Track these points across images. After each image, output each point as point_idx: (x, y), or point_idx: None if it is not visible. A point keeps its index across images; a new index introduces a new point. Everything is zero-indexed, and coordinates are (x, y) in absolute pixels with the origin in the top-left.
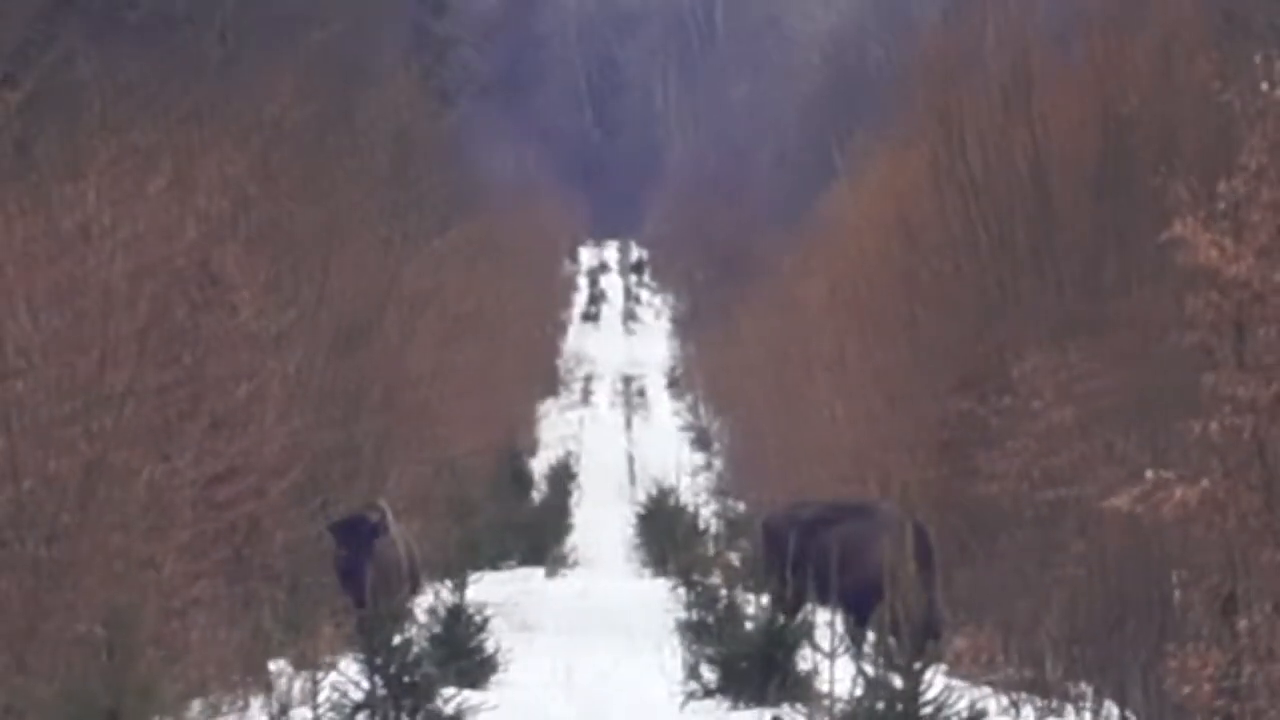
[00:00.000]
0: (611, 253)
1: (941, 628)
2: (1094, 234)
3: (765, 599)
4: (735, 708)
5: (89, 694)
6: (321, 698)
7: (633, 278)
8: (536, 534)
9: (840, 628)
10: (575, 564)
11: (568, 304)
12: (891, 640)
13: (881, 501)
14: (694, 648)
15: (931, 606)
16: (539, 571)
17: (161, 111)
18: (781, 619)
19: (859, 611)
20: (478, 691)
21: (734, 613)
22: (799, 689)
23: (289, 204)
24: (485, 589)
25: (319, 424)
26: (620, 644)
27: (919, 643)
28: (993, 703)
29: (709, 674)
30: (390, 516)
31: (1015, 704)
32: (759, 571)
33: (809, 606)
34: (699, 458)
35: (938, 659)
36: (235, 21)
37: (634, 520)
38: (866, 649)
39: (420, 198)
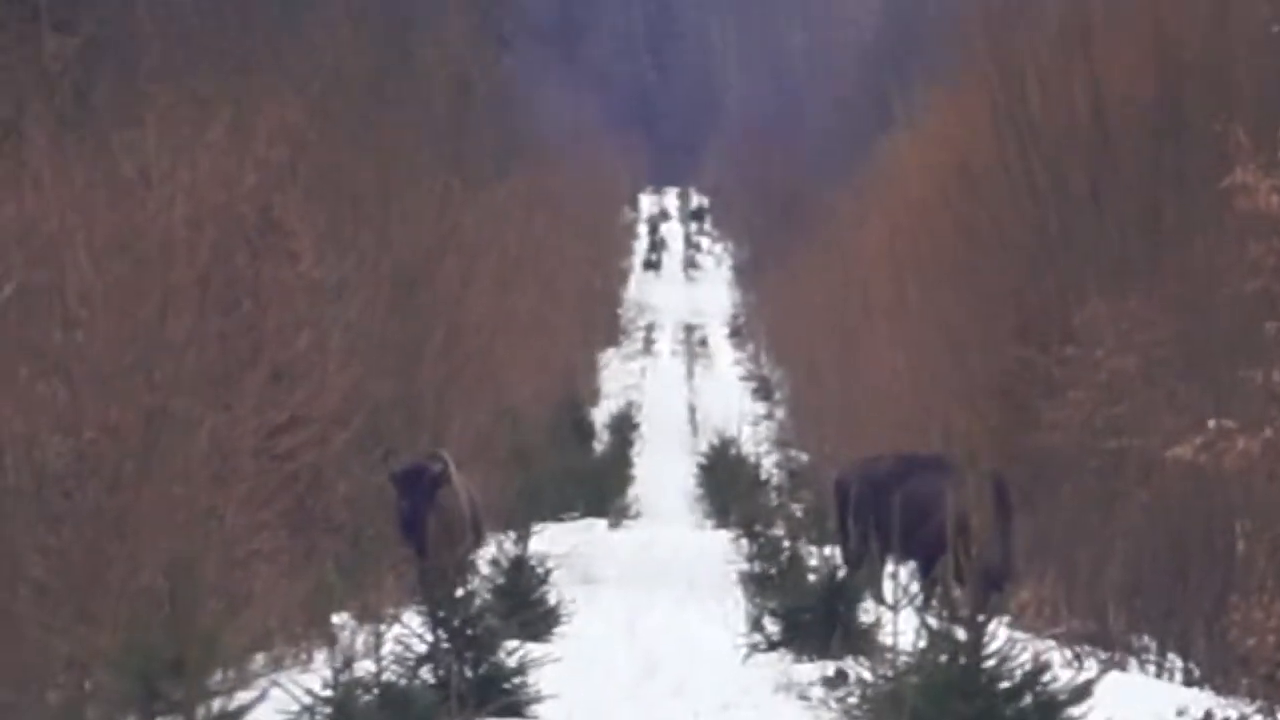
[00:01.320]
0: (671, 200)
1: (1013, 580)
2: (1153, 179)
3: (828, 551)
4: (798, 660)
5: (152, 644)
6: (385, 650)
7: (693, 225)
8: (599, 485)
9: (908, 581)
10: (638, 515)
11: (628, 252)
12: (956, 592)
13: (957, 455)
14: (756, 600)
15: (1007, 560)
16: (602, 523)
17: (220, 59)
18: (845, 572)
19: (932, 566)
20: (540, 643)
21: (796, 564)
22: (861, 641)
23: (348, 151)
24: (548, 540)
25: (379, 373)
26: (683, 596)
27: (990, 594)
28: (1056, 655)
29: (771, 626)
30: (452, 466)
31: (1078, 656)
32: (821, 524)
33: (880, 561)
34: (761, 407)
35: (1001, 611)
36: None
37: (696, 471)
38: (932, 602)
39: (478, 144)
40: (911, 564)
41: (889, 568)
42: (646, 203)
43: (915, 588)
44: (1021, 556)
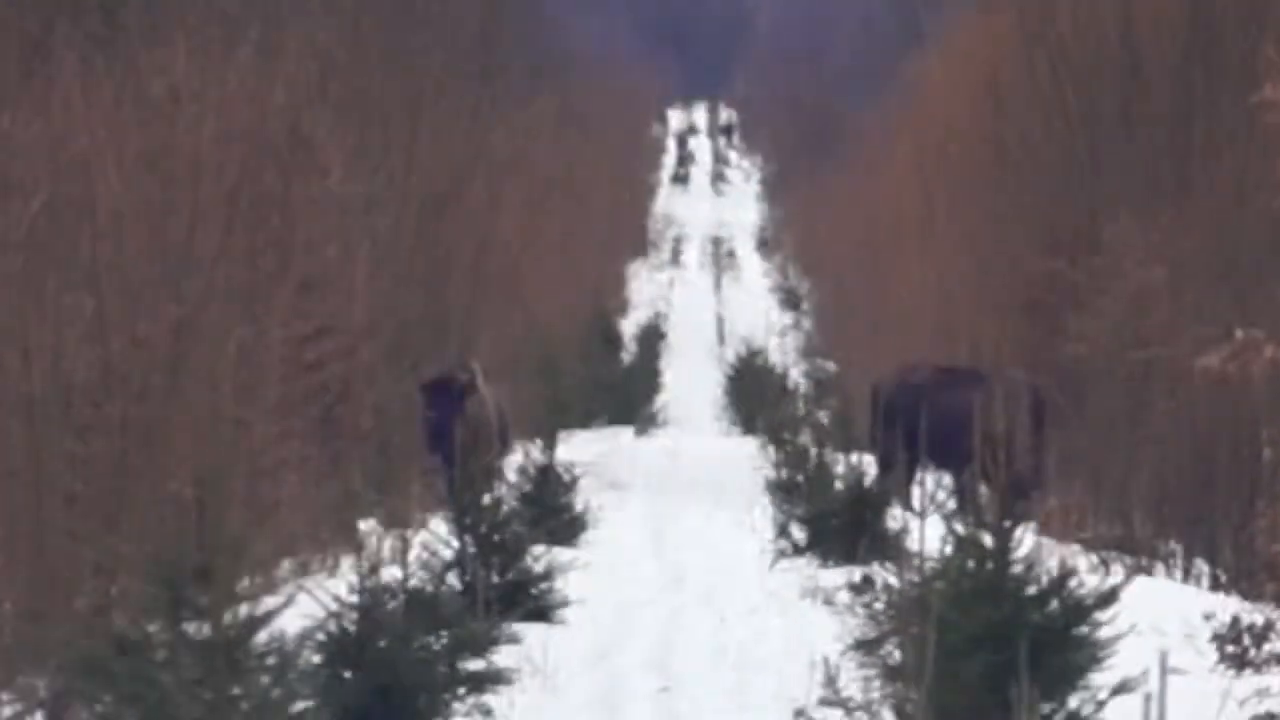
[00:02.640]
0: (700, 115)
1: (1044, 488)
2: (1183, 96)
3: (854, 458)
4: (824, 566)
5: (179, 553)
6: (411, 556)
7: (721, 140)
8: (626, 394)
9: (935, 488)
10: (665, 423)
11: (656, 166)
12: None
13: (994, 366)
14: (783, 506)
15: (1039, 469)
16: (629, 431)
17: None
18: (875, 478)
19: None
20: (567, 549)
21: (823, 472)
22: (888, 548)
23: (376, 70)
24: (575, 448)
25: (408, 287)
26: (709, 502)
27: (1019, 502)
28: (1082, 561)
29: (798, 533)
30: (480, 376)
31: (1105, 562)
32: (847, 431)
33: (912, 469)
34: (787, 318)
35: (1028, 518)
36: None
37: (723, 380)
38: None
39: (507, 62)
40: (943, 472)
41: (920, 475)
42: (675, 117)
43: (943, 495)
44: (1053, 466)
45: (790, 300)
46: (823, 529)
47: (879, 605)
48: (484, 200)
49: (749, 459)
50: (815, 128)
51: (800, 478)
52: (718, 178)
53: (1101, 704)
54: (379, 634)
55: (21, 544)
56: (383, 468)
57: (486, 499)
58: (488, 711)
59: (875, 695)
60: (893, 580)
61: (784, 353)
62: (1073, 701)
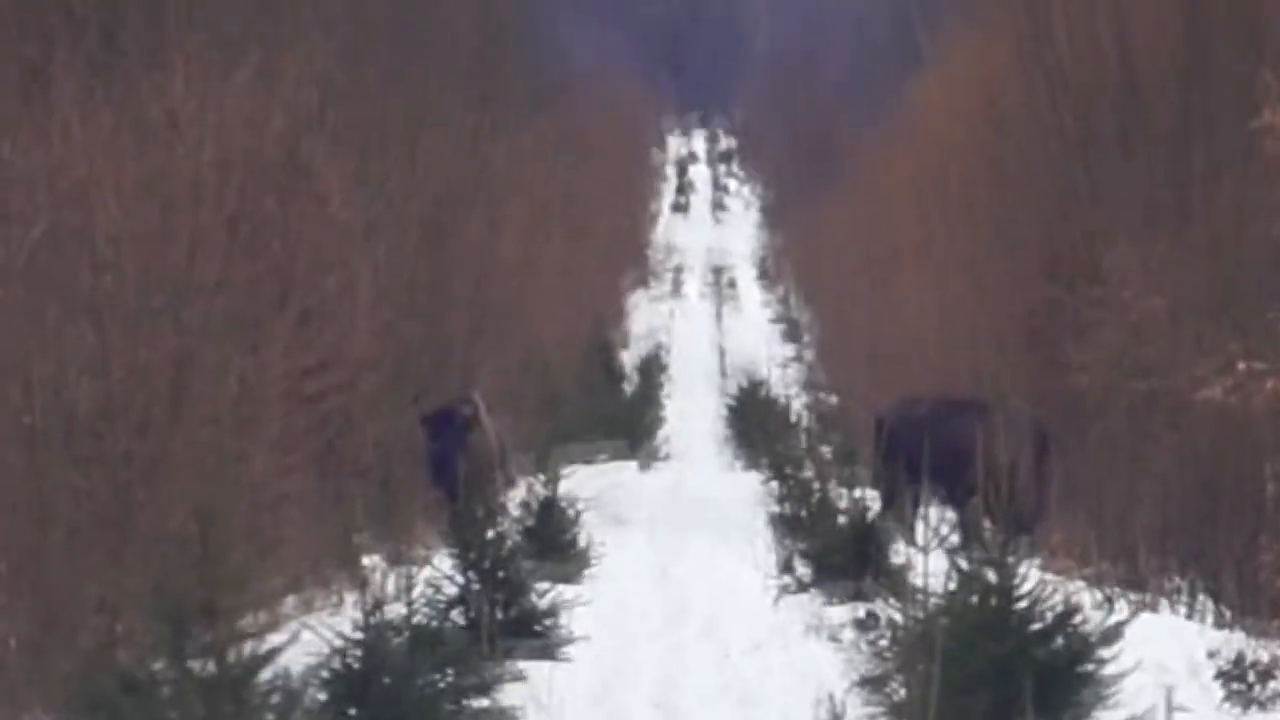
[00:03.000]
0: (699, 142)
1: (1046, 523)
2: (1181, 121)
3: (858, 493)
4: (829, 602)
5: (182, 588)
6: (415, 593)
7: (721, 167)
8: (628, 427)
9: (939, 523)
10: (667, 457)
11: (656, 194)
12: (987, 534)
13: (997, 398)
14: (786, 541)
15: (1041, 504)
16: (631, 465)
17: (247, 1)
18: (878, 512)
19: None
20: (571, 585)
21: (826, 506)
22: (892, 583)
23: (375, 94)
24: (578, 483)
25: (408, 315)
26: (713, 537)
27: (1022, 537)
28: (1087, 597)
29: (802, 568)
30: (483, 408)
31: (1109, 598)
32: (850, 465)
33: (914, 502)
34: (789, 349)
35: (1032, 554)
36: None
37: (725, 413)
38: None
39: (506, 87)
40: (946, 506)
41: (923, 509)
42: (674, 145)
43: (946, 530)
44: (1055, 500)
45: (792, 331)
46: (826, 564)
47: (884, 642)
48: (484, 226)
49: (752, 493)
50: (814, 153)
51: (803, 512)
52: (717, 206)
53: None
54: (383, 671)
55: (24, 578)
56: (385, 502)
57: (490, 534)
58: None
59: None
60: (897, 616)
61: (786, 384)
62: None
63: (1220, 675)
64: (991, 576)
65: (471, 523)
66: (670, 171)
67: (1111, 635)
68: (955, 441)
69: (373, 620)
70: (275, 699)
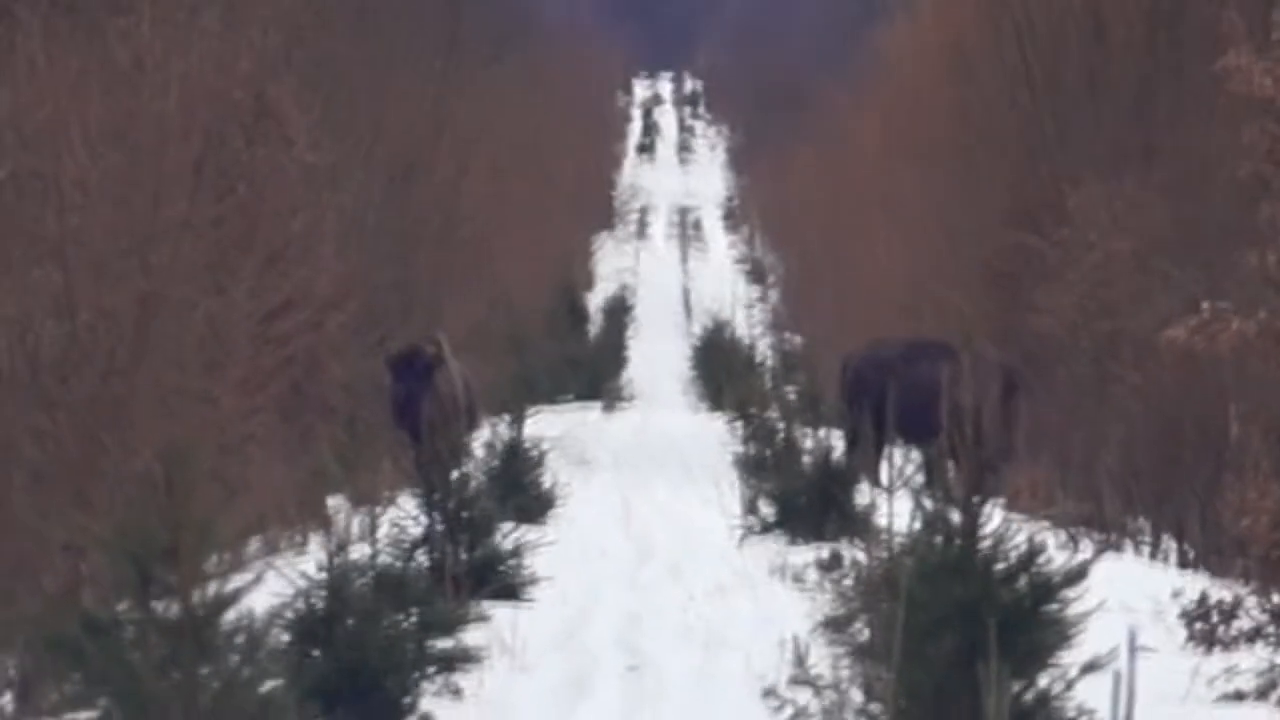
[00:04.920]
0: (665, 85)
1: (1013, 463)
2: (1147, 64)
3: (822, 434)
4: (793, 543)
5: (146, 530)
6: (379, 534)
7: (687, 110)
8: (593, 369)
9: (903, 464)
10: (632, 399)
11: (621, 137)
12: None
13: (964, 341)
14: (751, 483)
15: (1009, 444)
16: (596, 406)
17: None
18: (845, 454)
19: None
20: (536, 527)
21: (791, 448)
22: (856, 524)
23: (342, 38)
24: (543, 424)
25: (375, 258)
26: (678, 479)
27: (988, 477)
28: (1051, 538)
29: (766, 509)
30: (448, 350)
31: (1073, 538)
32: (815, 407)
33: (879, 444)
34: (754, 291)
35: (997, 494)
36: None
37: (690, 354)
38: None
39: (472, 31)
40: (912, 448)
41: (888, 450)
42: (640, 88)
43: (911, 471)
44: (1022, 441)
45: (757, 273)
46: (791, 506)
47: (847, 583)
48: (450, 170)
49: (717, 435)
50: (781, 98)
51: (768, 454)
52: (683, 148)
53: (1070, 683)
54: (347, 613)
55: None
56: (351, 443)
57: (454, 475)
58: (457, 691)
59: (844, 674)
60: (861, 557)
61: (751, 326)
62: (1042, 680)
63: (1184, 615)
64: (956, 518)
65: (436, 464)
66: (636, 114)
67: (1075, 576)
68: (921, 384)
69: (337, 562)
70: (239, 640)
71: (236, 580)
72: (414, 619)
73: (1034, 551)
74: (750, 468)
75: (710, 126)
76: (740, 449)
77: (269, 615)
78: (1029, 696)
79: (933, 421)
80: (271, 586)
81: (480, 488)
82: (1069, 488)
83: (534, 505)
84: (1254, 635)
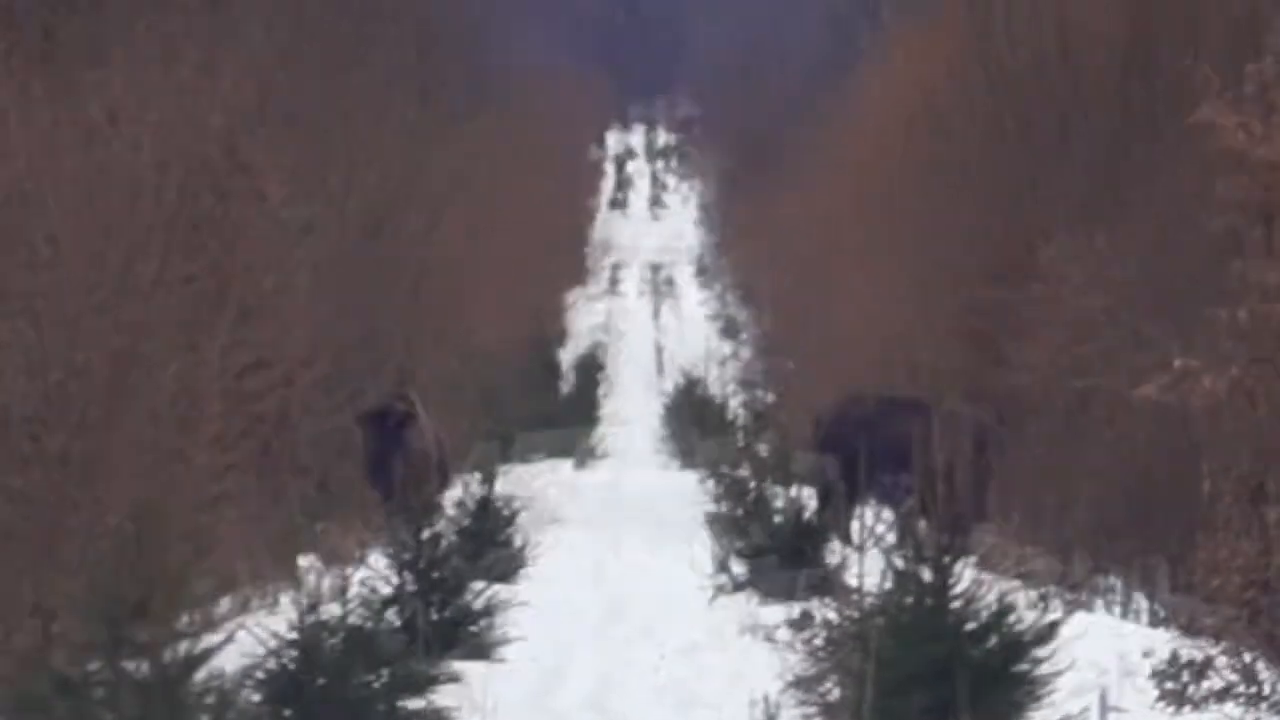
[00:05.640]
0: (638, 138)
1: (983, 522)
2: (1120, 118)
3: (794, 492)
4: (764, 602)
5: (117, 588)
6: (351, 593)
7: (659, 163)
8: (566, 426)
9: (874, 522)
10: (604, 456)
11: (594, 191)
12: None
13: (936, 398)
14: (723, 541)
15: (980, 503)
16: (568, 464)
17: None
18: (816, 511)
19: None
20: (507, 585)
21: (762, 505)
22: (828, 583)
23: (315, 92)
24: (514, 482)
25: (346, 313)
26: (649, 536)
27: (958, 536)
28: (1021, 596)
29: (738, 568)
30: (420, 407)
31: (1044, 597)
32: (786, 465)
33: (850, 501)
34: (727, 347)
35: (967, 553)
36: None
37: (662, 411)
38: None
39: (445, 84)
40: (884, 505)
41: (859, 508)
42: (613, 141)
43: (883, 529)
44: (992, 499)
45: (729, 329)
46: (762, 563)
47: (818, 641)
48: (422, 223)
49: (689, 492)
50: (754, 150)
51: (740, 511)
52: (656, 202)
53: None
54: (318, 672)
55: None
56: (322, 501)
57: (426, 534)
58: None
59: None
60: (832, 616)
61: (723, 383)
62: None
63: (1155, 674)
64: (927, 575)
65: (407, 522)
66: (609, 168)
67: (1046, 634)
68: (894, 441)
69: (308, 620)
70: (210, 700)
71: (207, 639)
72: (385, 678)
73: (1004, 610)
74: (722, 525)
75: (683, 181)
76: (712, 506)
77: (240, 674)
78: None
79: (904, 479)
80: (243, 645)
81: (452, 546)
82: (1040, 545)
83: (506, 564)
84: (1224, 694)
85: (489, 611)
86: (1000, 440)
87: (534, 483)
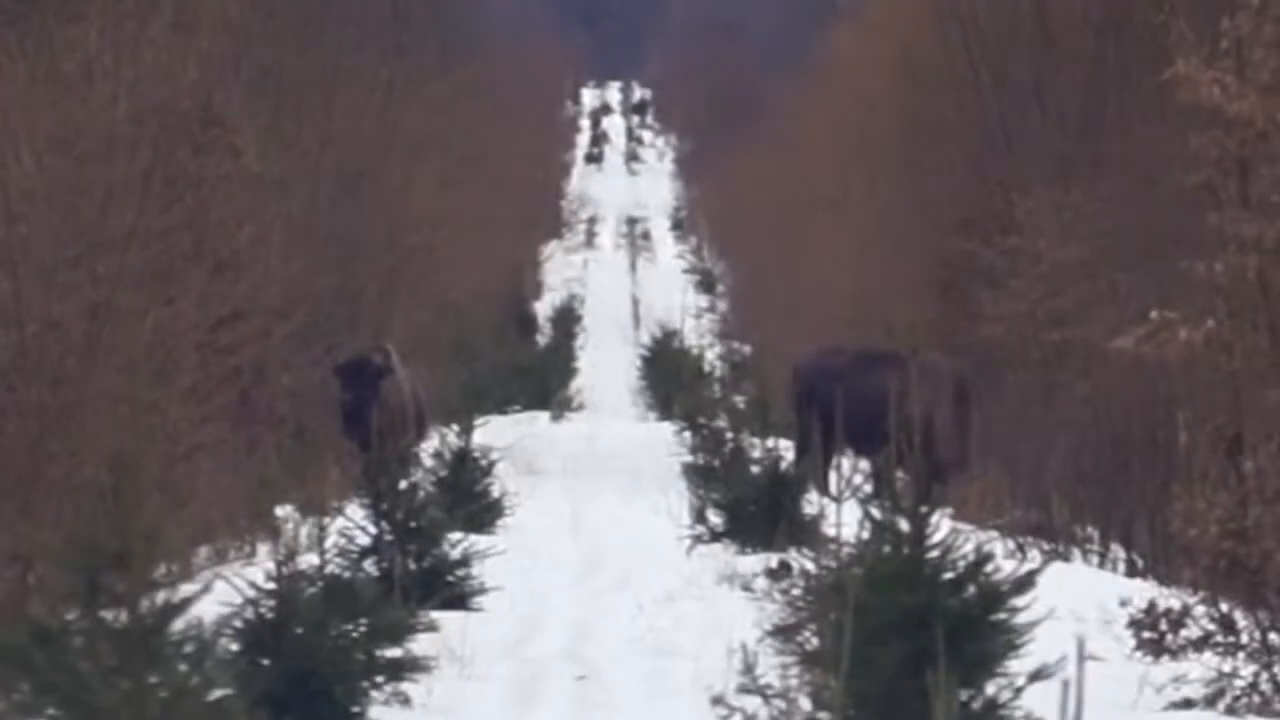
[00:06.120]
0: (613, 94)
1: (968, 472)
2: (1095, 72)
3: (770, 443)
4: (742, 552)
5: (94, 539)
6: (328, 543)
7: (635, 119)
8: (542, 378)
9: (852, 473)
10: (581, 408)
11: (570, 146)
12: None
13: (914, 350)
14: (700, 491)
15: (964, 453)
16: (545, 415)
17: None
18: (795, 463)
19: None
20: (484, 535)
21: (739, 457)
22: (805, 533)
23: (289, 47)
24: (491, 433)
25: (322, 267)
26: (626, 487)
27: (941, 486)
28: (999, 546)
29: (715, 518)
30: (396, 358)
31: (1021, 547)
32: (763, 416)
33: (829, 453)
34: (703, 300)
35: (945, 504)
36: None
37: (639, 363)
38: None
39: (420, 39)
40: (863, 457)
41: (837, 459)
42: (589, 97)
43: (860, 479)
44: (976, 448)
45: (706, 282)
46: (740, 514)
47: (796, 591)
48: (397, 178)
49: (666, 443)
50: (729, 105)
51: (716, 462)
52: (632, 157)
53: (1019, 691)
54: (296, 621)
55: None
56: (299, 452)
57: (403, 484)
58: (405, 699)
59: (793, 682)
60: (810, 566)
61: (700, 335)
62: (990, 688)
63: (1132, 624)
64: (904, 526)
65: (384, 473)
66: (584, 123)
67: (1023, 584)
68: (872, 393)
69: (285, 570)
70: (188, 648)
71: (185, 589)
72: (363, 627)
73: (982, 560)
74: (699, 476)
75: (658, 136)
76: (689, 457)
77: (218, 624)
78: (977, 704)
79: (882, 431)
80: (220, 595)
81: (429, 497)
82: (1017, 496)
83: (483, 514)
84: (1202, 643)
85: (466, 561)
86: (979, 390)
87: (511, 434)
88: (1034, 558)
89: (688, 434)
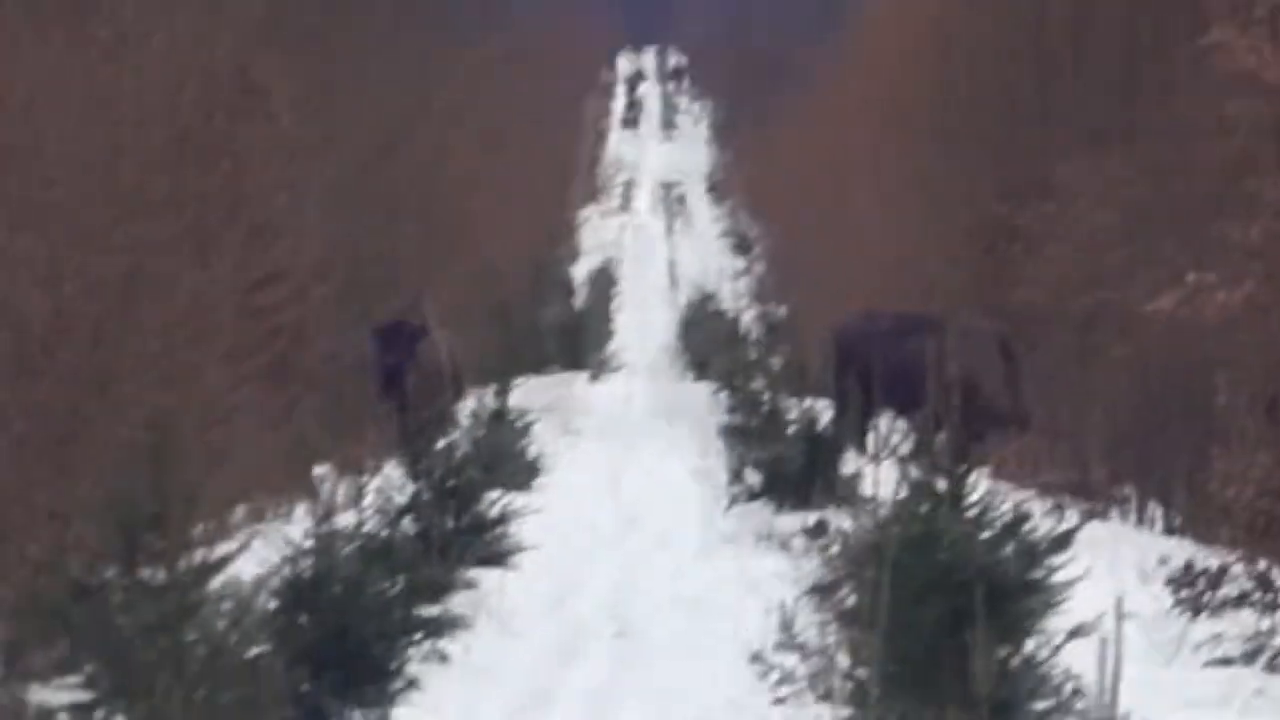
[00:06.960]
0: (649, 60)
1: (1028, 425)
2: (1132, 39)
3: (807, 403)
4: (779, 511)
5: (132, 499)
6: (366, 502)
7: (670, 84)
8: (579, 339)
9: (891, 432)
10: (618, 368)
11: (606, 112)
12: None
13: (954, 313)
14: (737, 451)
15: (1021, 408)
16: (582, 376)
17: None
18: (835, 424)
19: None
20: (522, 494)
21: (776, 417)
22: (842, 492)
23: (326, 11)
24: (529, 393)
25: (359, 231)
26: (664, 447)
27: (1001, 440)
28: (1037, 505)
29: (753, 477)
30: (433, 320)
31: (1059, 506)
32: (800, 377)
33: (868, 415)
34: (739, 263)
35: (982, 462)
36: None
37: (676, 325)
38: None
39: (457, 5)
40: (903, 419)
41: (875, 420)
42: (624, 62)
43: (898, 439)
44: (1032, 401)
45: (742, 245)
46: (777, 474)
47: (834, 550)
48: (434, 143)
49: (703, 404)
50: (764, 70)
51: (754, 423)
52: (667, 123)
53: (1057, 648)
54: (334, 579)
55: None
56: (336, 413)
57: (440, 444)
58: (443, 656)
59: (830, 640)
60: (847, 525)
61: (736, 297)
62: (1028, 646)
63: (1170, 582)
64: (941, 485)
65: (421, 433)
66: (620, 89)
67: (1061, 543)
68: (913, 357)
69: (323, 529)
70: (226, 606)
71: (223, 548)
72: (401, 585)
73: (1019, 519)
74: (736, 436)
75: (694, 101)
76: (726, 417)
77: (256, 582)
78: (1015, 662)
79: (922, 394)
80: (258, 554)
81: (467, 456)
82: (1056, 456)
83: (520, 474)
84: (1240, 601)
85: (504, 520)
86: (1021, 350)
87: (550, 394)
88: (1071, 516)
89: (724, 395)
